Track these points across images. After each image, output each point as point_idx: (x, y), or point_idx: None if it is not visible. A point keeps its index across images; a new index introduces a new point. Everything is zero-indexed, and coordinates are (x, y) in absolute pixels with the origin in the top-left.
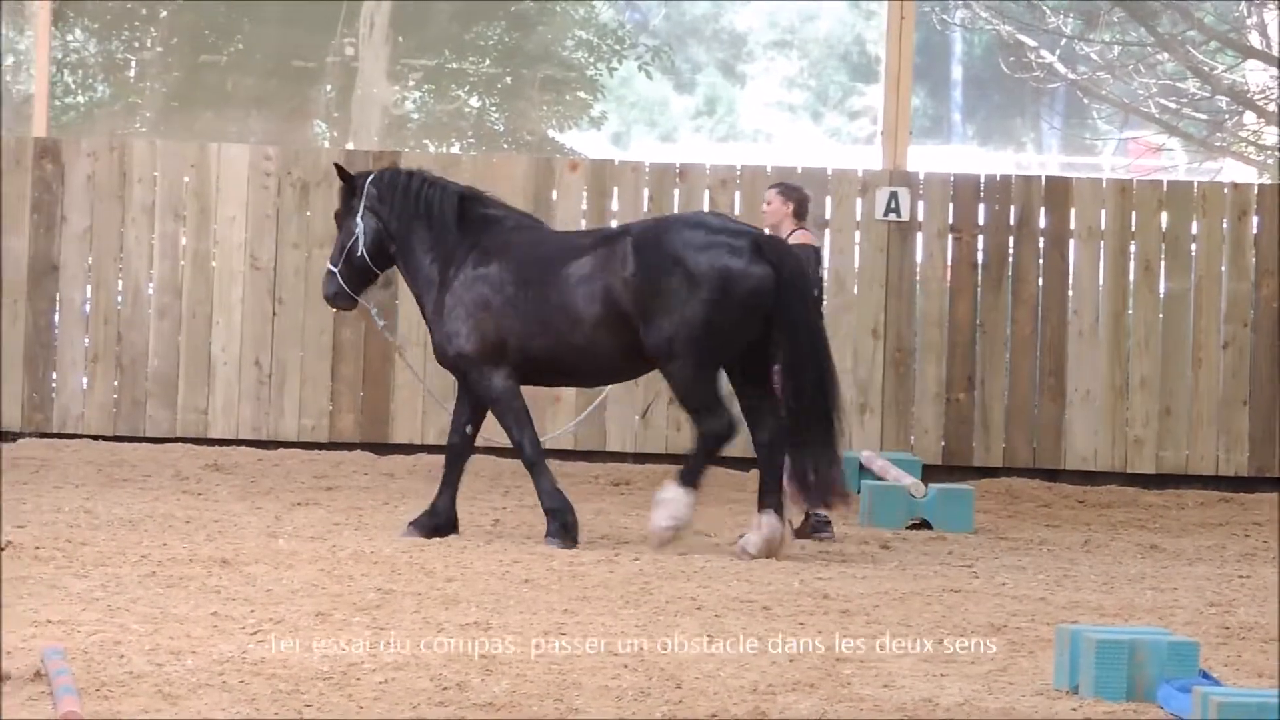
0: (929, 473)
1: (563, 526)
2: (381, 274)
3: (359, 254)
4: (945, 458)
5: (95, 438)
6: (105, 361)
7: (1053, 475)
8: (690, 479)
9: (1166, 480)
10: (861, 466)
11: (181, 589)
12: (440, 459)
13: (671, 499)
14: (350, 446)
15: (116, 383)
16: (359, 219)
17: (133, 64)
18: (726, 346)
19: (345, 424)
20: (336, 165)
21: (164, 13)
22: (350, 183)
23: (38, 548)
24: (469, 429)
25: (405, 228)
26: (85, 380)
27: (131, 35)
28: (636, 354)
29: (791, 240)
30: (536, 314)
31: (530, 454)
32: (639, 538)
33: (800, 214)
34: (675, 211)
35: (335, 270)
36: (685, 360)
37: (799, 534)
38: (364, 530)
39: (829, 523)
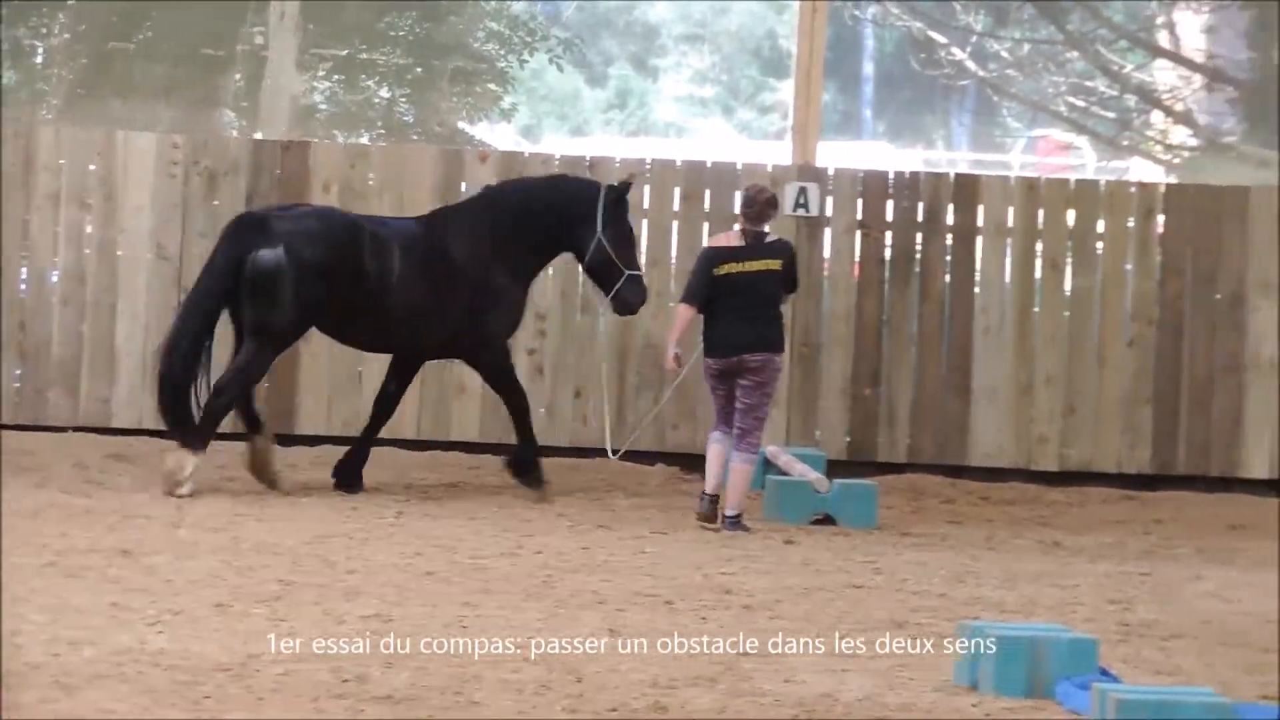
0: (834, 468)
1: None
2: None
3: None
4: (850, 453)
5: None
6: (7, 350)
7: (957, 471)
8: None
9: (1070, 477)
10: (767, 461)
11: (81, 579)
12: (343, 450)
13: None
14: None
15: (19, 371)
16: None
17: (39, 51)
18: None
19: None
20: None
21: None
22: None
23: None
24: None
25: None
26: None
27: (39, 22)
28: None
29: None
30: None
31: None
32: (543, 531)
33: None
34: None
35: None
36: None
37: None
38: (266, 522)
39: (739, 517)
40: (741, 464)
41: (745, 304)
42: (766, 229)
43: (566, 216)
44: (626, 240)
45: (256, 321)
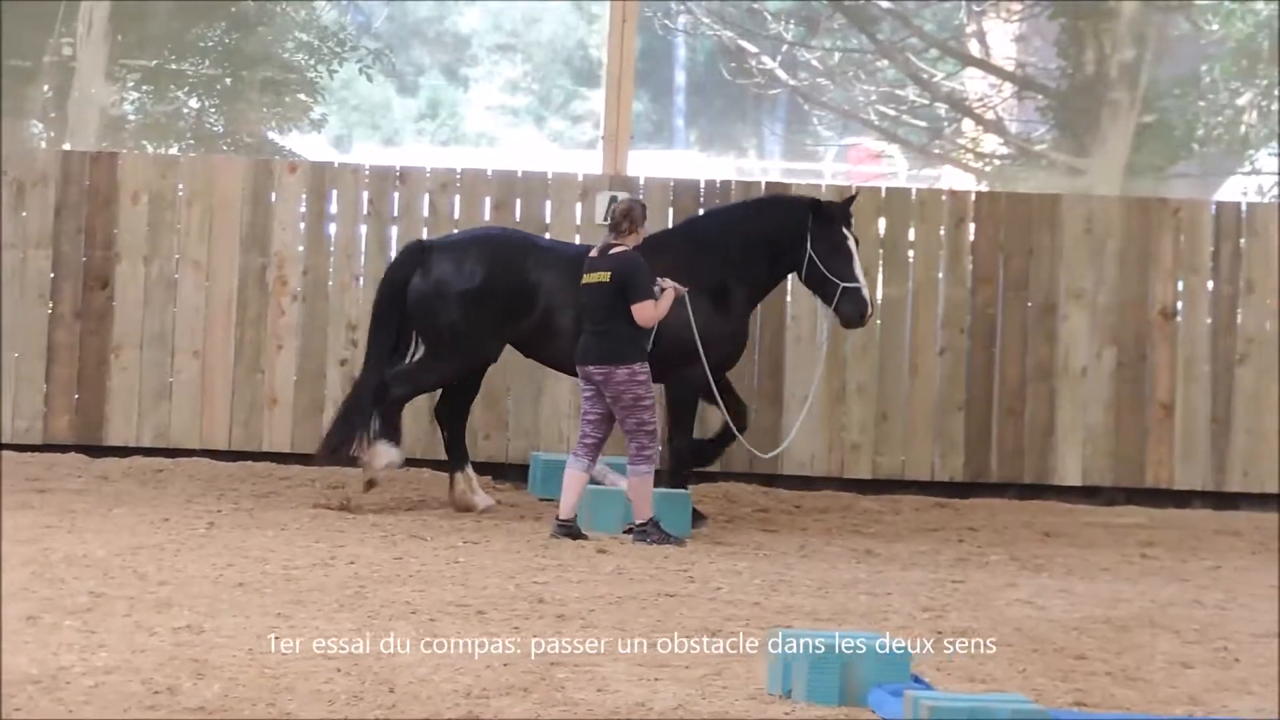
0: None
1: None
2: None
3: None
4: (663, 462)
5: None
6: None
7: (770, 480)
8: None
9: (882, 485)
10: None
11: None
12: (154, 461)
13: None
14: (64, 449)
15: None
16: None
17: None
18: None
19: (59, 426)
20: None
21: None
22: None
23: None
24: None
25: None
26: None
27: None
28: None
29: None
30: None
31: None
32: (355, 541)
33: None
34: (394, 214)
35: None
36: None
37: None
38: (77, 533)
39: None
40: (630, 477)
41: (589, 316)
42: (618, 240)
43: (778, 239)
44: (839, 253)
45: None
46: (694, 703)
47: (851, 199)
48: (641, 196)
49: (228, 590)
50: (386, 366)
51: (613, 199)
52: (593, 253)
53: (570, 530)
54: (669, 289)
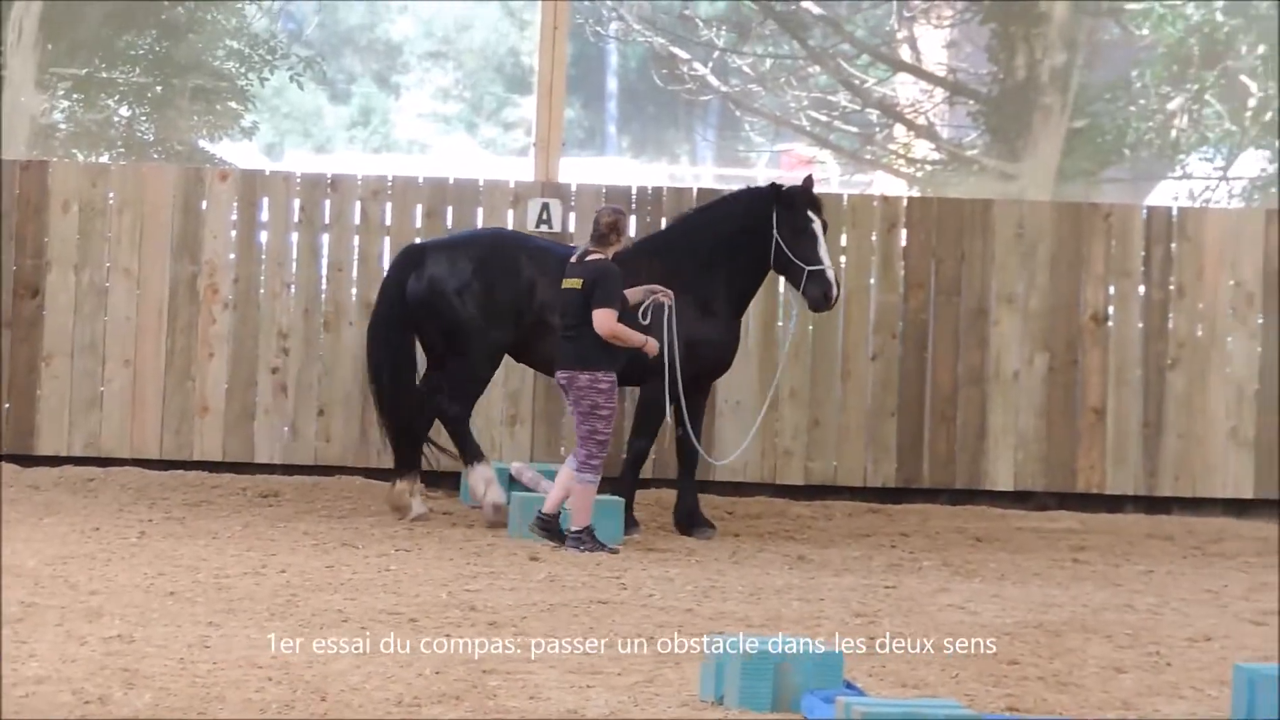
0: None
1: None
2: None
3: None
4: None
5: None
6: None
7: (702, 486)
8: None
9: (815, 491)
10: (511, 478)
11: None
12: (85, 470)
13: None
14: None
15: None
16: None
17: None
18: None
19: None
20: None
21: None
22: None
23: None
24: None
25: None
26: None
27: None
28: None
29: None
30: None
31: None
32: (287, 549)
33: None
34: (326, 221)
35: None
36: None
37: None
38: (7, 543)
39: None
40: (575, 483)
41: (563, 320)
42: (597, 249)
43: (751, 233)
44: (803, 236)
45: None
46: (626, 710)
47: (810, 180)
48: (574, 204)
49: (159, 599)
50: (411, 374)
51: (544, 206)
52: (573, 258)
53: (548, 527)
54: (658, 296)
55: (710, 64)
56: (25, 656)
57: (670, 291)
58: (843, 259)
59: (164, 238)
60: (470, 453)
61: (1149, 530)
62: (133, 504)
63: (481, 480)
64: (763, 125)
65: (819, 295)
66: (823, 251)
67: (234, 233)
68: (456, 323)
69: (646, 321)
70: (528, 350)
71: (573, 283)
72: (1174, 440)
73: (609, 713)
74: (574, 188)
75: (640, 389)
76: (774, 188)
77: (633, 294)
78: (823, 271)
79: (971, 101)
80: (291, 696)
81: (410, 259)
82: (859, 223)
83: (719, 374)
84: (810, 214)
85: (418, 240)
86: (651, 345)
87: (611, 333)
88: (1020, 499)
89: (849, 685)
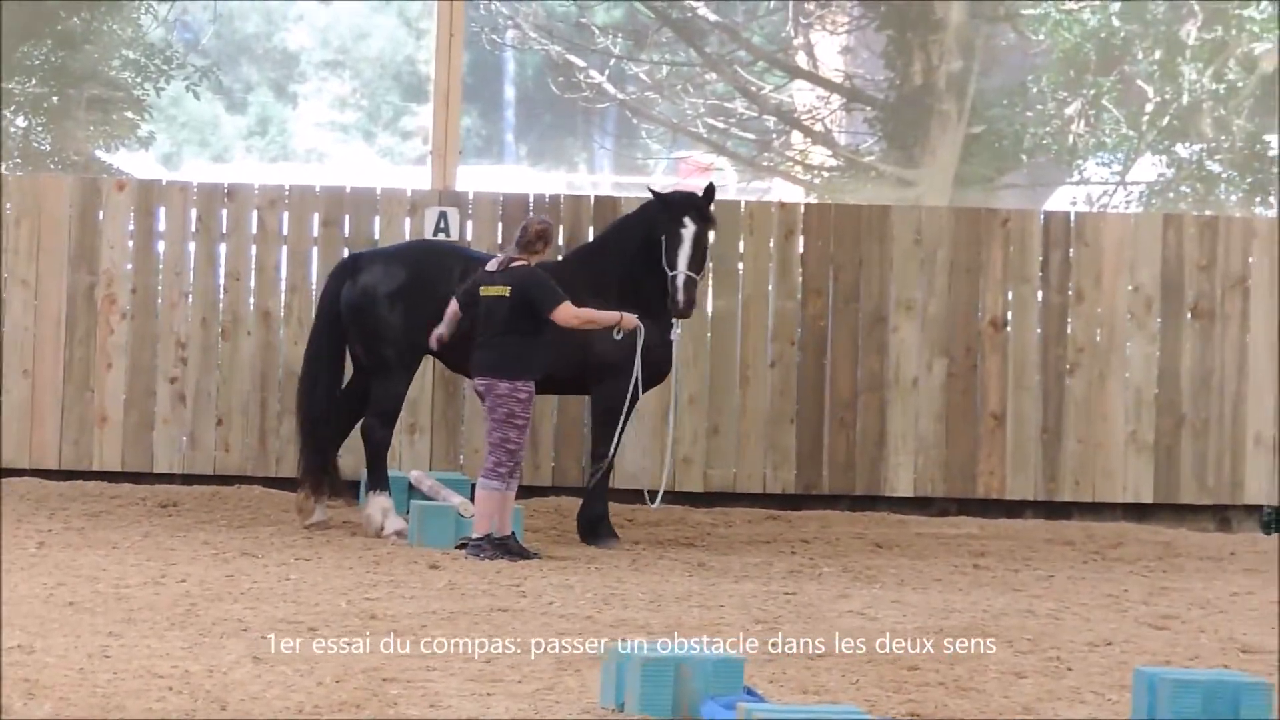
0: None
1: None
2: None
3: None
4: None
5: None
6: None
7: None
8: None
9: (714, 498)
10: (411, 486)
11: None
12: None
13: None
14: None
15: None
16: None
17: None
18: None
19: None
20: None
21: None
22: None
23: None
24: None
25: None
26: None
27: None
28: None
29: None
30: None
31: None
32: (187, 559)
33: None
34: (223, 231)
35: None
36: None
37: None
38: None
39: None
40: (480, 490)
41: (482, 328)
42: (521, 256)
43: (650, 241)
44: (672, 242)
45: (365, 349)
46: (527, 717)
47: (710, 189)
48: (471, 212)
49: (58, 609)
50: (336, 383)
51: (442, 215)
52: (490, 265)
53: (507, 547)
54: (627, 321)
55: (607, 72)
56: None
57: (635, 318)
58: (740, 266)
59: (61, 248)
60: (378, 480)
61: (1049, 535)
62: (32, 514)
63: (379, 510)
64: (660, 132)
65: (671, 300)
66: (682, 258)
67: (131, 243)
68: (381, 330)
69: (619, 338)
70: (461, 356)
71: (497, 290)
72: (1073, 445)
73: None
74: (471, 196)
75: (591, 399)
76: (657, 195)
77: (605, 316)
78: (674, 277)
79: (868, 108)
80: (192, 706)
81: (345, 269)
82: (757, 229)
83: (660, 381)
84: (686, 220)
85: (348, 251)
86: (629, 320)
87: (583, 319)
88: (920, 505)
89: (749, 691)
